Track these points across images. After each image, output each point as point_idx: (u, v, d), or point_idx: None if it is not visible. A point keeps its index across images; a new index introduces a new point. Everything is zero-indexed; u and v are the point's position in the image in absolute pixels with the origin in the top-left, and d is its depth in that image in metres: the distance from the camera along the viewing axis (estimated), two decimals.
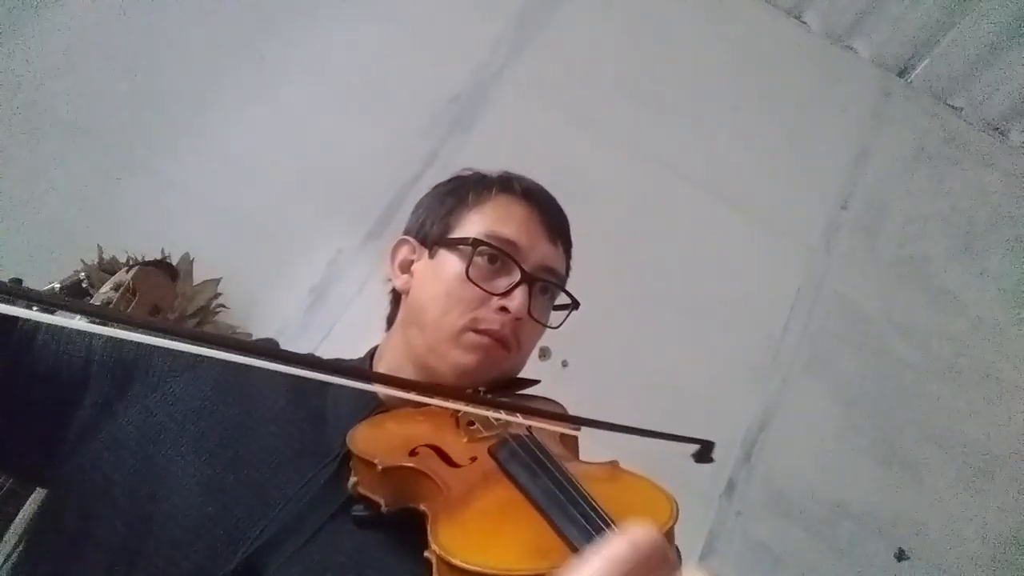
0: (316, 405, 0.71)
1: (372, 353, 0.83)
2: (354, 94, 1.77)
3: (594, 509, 0.46)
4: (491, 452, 0.59)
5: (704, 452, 0.69)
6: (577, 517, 0.46)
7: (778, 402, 1.69)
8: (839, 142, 2.02)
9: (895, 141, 2.05)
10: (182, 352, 0.68)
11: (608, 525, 0.44)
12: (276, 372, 0.72)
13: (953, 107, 2.14)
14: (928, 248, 1.94)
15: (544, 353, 1.52)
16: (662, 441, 0.61)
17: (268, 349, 0.51)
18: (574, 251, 0.89)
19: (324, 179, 1.68)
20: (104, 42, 1.68)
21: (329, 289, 1.60)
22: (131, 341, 0.67)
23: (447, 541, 0.46)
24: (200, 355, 0.69)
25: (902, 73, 2.14)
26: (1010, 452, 1.73)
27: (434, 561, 0.46)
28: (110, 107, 1.63)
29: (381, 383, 0.57)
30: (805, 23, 2.15)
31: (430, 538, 0.47)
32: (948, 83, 2.11)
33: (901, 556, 1.59)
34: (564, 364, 1.55)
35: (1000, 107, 2.10)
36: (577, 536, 0.44)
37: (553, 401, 0.75)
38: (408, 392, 0.58)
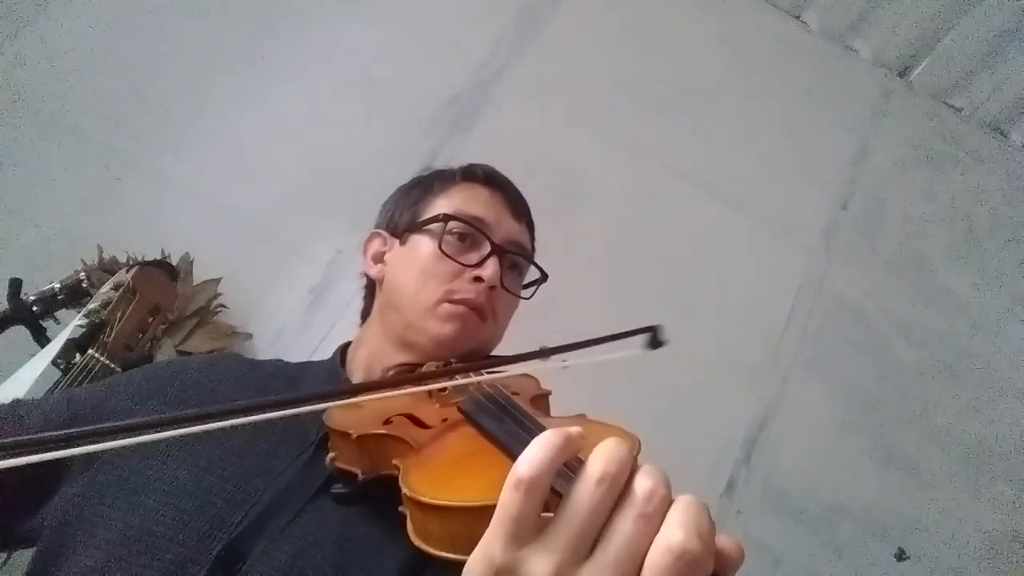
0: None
1: (344, 349, 0.84)
2: (354, 94, 1.77)
3: None
4: (459, 407, 0.60)
5: (654, 337, 0.66)
6: None
7: (778, 402, 1.69)
8: (839, 142, 2.02)
9: (895, 141, 2.05)
10: (137, 386, 0.70)
11: (579, 461, 0.43)
12: (242, 381, 0.74)
13: (953, 107, 2.14)
14: (928, 248, 1.94)
15: (544, 353, 1.52)
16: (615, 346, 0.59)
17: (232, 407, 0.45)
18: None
19: (324, 179, 1.68)
20: (104, 42, 1.68)
21: (329, 289, 1.60)
22: (81, 397, 0.69)
23: (415, 483, 0.46)
24: (164, 382, 0.70)
25: (902, 73, 2.14)
26: (1010, 452, 1.73)
27: (407, 511, 0.47)
28: (110, 107, 1.63)
29: (346, 396, 0.58)
30: (805, 23, 2.15)
31: (401, 485, 0.47)
32: (948, 83, 2.11)
33: (901, 556, 1.59)
34: (564, 364, 1.55)
35: (1000, 107, 2.10)
36: None
37: (529, 376, 0.76)
38: (374, 392, 0.58)
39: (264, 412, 0.44)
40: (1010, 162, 2.09)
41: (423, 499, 0.44)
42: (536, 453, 0.34)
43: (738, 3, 2.12)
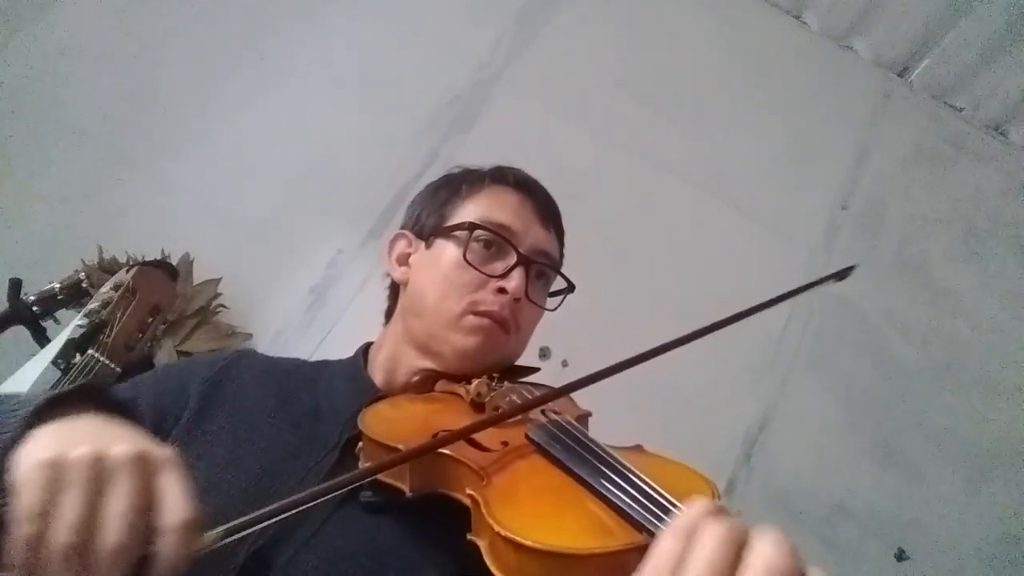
0: (308, 401, 0.72)
1: (366, 349, 0.83)
2: (354, 94, 1.77)
3: (654, 489, 0.46)
4: (528, 436, 0.58)
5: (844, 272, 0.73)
6: (639, 498, 0.46)
7: (778, 402, 1.69)
8: (839, 142, 2.01)
9: (895, 141, 2.05)
10: (169, 385, 0.70)
11: (674, 505, 0.44)
12: (260, 380, 0.73)
13: (953, 107, 2.14)
14: (928, 248, 1.94)
15: (544, 353, 1.52)
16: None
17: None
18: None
19: (324, 179, 1.68)
20: (104, 42, 1.68)
21: (329, 289, 1.60)
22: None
23: (510, 522, 0.45)
24: (183, 381, 0.71)
25: (902, 73, 2.14)
26: (1009, 452, 1.73)
27: (486, 543, 0.46)
28: (110, 107, 1.63)
29: (397, 462, 0.53)
30: (805, 23, 2.14)
31: (488, 519, 0.46)
32: (948, 83, 2.11)
33: (901, 556, 1.59)
34: (564, 364, 1.55)
35: (1000, 107, 2.10)
36: (645, 516, 0.44)
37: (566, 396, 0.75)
38: (426, 453, 0.54)
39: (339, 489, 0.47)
40: (1010, 162, 2.09)
41: (525, 542, 0.43)
42: (695, 511, 0.40)
43: (738, 3, 2.11)
